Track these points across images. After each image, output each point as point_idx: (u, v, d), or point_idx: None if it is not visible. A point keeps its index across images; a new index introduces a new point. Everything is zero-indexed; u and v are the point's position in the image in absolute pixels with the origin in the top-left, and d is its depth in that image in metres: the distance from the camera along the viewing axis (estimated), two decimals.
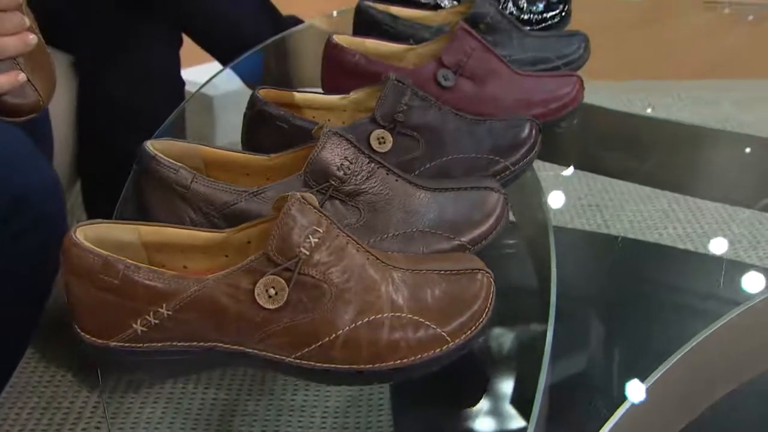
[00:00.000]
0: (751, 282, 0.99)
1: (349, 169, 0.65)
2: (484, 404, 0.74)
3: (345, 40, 0.89)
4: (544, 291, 0.77)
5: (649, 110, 1.69)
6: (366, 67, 0.86)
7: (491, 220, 0.67)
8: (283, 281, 0.55)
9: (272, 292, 0.55)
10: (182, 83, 1.30)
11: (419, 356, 0.57)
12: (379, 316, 0.57)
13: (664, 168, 1.15)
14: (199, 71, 1.38)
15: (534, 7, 1.11)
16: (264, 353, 0.57)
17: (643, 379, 0.74)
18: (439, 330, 0.57)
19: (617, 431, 0.68)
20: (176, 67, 1.29)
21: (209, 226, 0.64)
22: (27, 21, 0.75)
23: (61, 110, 1.16)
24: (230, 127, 0.89)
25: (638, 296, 1.08)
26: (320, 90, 0.88)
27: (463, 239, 0.66)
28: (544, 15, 1.11)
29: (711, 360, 0.81)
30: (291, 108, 0.78)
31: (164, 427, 1.02)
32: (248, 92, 0.78)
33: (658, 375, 0.74)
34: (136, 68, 1.22)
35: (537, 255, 0.91)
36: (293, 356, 0.57)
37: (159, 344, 0.57)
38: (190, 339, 0.56)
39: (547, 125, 0.82)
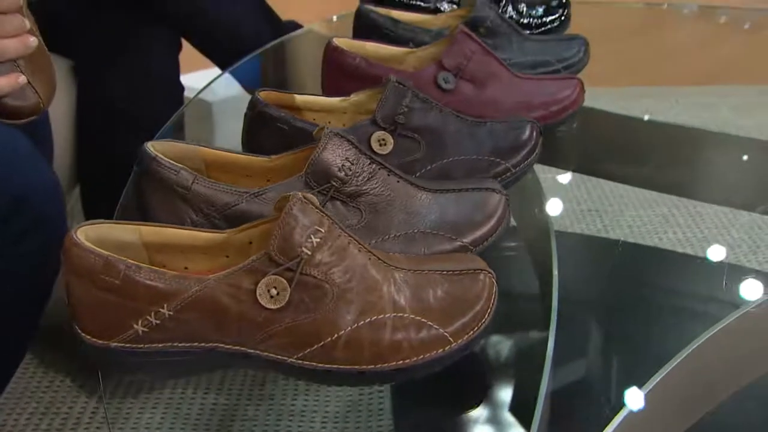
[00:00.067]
0: (751, 286, 0.99)
1: (351, 170, 0.65)
2: (485, 410, 0.74)
3: (345, 43, 0.89)
4: (544, 294, 0.77)
5: (646, 117, 1.69)
6: (366, 70, 0.86)
7: (493, 221, 0.67)
8: (285, 281, 0.55)
9: (274, 292, 0.55)
10: (181, 88, 1.30)
11: (421, 357, 0.57)
12: (381, 316, 0.56)
13: (664, 171, 1.15)
14: (198, 77, 1.38)
15: (533, 11, 1.11)
16: (265, 354, 0.56)
17: (642, 384, 0.74)
18: (441, 330, 0.57)
19: None
20: (175, 71, 1.29)
21: (210, 227, 0.64)
22: (27, 23, 0.75)
23: (60, 114, 1.16)
24: (229, 132, 0.89)
25: (638, 300, 1.08)
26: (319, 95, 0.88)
27: (464, 240, 0.66)
28: (544, 19, 1.11)
29: (710, 364, 0.81)
30: (291, 110, 0.78)
31: None
32: (247, 98, 0.78)
33: (658, 379, 0.74)
34: (135, 72, 1.22)
35: (537, 258, 0.91)
36: (295, 357, 0.56)
37: (160, 345, 0.56)
38: (191, 339, 0.56)
39: (547, 128, 0.82)
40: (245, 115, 0.77)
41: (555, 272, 0.78)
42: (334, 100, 0.80)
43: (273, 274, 0.54)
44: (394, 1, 1.12)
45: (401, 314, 0.57)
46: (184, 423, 1.02)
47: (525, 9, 1.11)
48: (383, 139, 0.73)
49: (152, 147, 0.65)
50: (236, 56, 1.21)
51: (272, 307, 0.55)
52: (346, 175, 0.65)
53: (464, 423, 0.74)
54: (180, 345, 0.56)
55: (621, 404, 0.71)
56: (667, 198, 1.51)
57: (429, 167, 0.74)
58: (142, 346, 0.56)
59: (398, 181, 0.67)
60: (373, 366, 0.56)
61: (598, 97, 1.02)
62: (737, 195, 1.17)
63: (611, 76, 1.68)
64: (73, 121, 1.22)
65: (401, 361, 0.56)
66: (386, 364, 0.56)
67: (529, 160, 0.77)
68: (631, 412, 0.70)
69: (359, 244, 0.58)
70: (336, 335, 0.56)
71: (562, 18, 1.12)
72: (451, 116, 0.76)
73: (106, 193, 0.92)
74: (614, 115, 1.24)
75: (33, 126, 0.80)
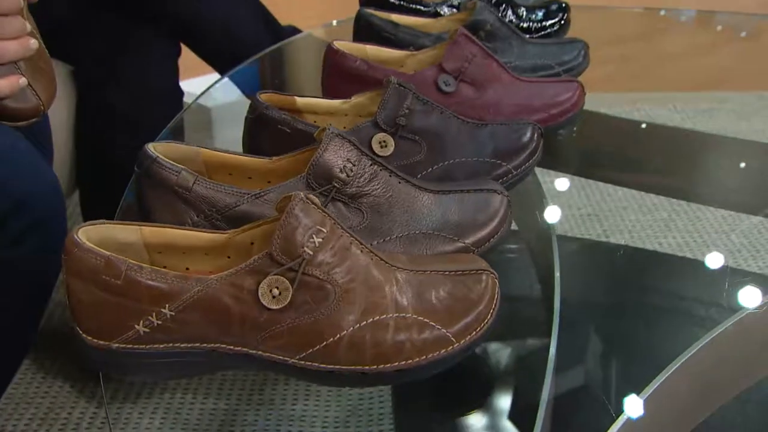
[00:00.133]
0: (751, 291, 0.99)
1: (352, 171, 0.65)
2: (485, 415, 0.74)
3: (346, 46, 0.89)
4: (546, 298, 0.77)
5: (644, 126, 1.69)
6: (367, 73, 0.86)
7: (495, 222, 0.67)
8: (287, 281, 0.54)
9: (276, 292, 0.54)
10: (181, 93, 1.30)
11: (424, 357, 0.56)
12: (384, 316, 0.56)
13: (664, 174, 1.15)
14: (197, 83, 1.38)
15: (533, 15, 1.11)
16: (267, 354, 0.56)
17: (643, 387, 0.73)
18: (444, 331, 0.57)
19: None
20: (174, 76, 1.29)
21: (211, 228, 0.64)
22: (28, 26, 0.75)
23: (59, 119, 1.16)
24: (228, 137, 0.89)
25: (638, 304, 1.08)
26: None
27: (466, 241, 0.66)
28: (544, 23, 1.11)
29: (711, 367, 0.81)
30: (292, 113, 0.78)
31: None
32: (246, 103, 0.77)
33: (659, 383, 0.74)
34: (134, 78, 1.22)
35: (538, 262, 0.91)
36: (297, 357, 0.56)
37: (161, 345, 0.56)
38: (193, 340, 0.56)
39: (547, 132, 0.82)
40: (246, 117, 0.77)
41: (557, 275, 0.78)
42: (335, 103, 0.80)
43: (275, 275, 0.54)
44: (394, 4, 1.12)
45: (404, 315, 0.57)
46: (184, 427, 1.02)
47: (525, 13, 1.11)
48: (384, 141, 0.72)
49: (153, 148, 0.65)
50: (235, 61, 1.21)
51: (274, 307, 0.54)
52: (348, 176, 0.64)
53: (465, 428, 0.74)
54: (181, 345, 0.56)
55: (621, 408, 0.70)
56: (668, 203, 1.51)
57: (430, 169, 0.74)
58: (143, 346, 0.56)
59: (400, 182, 0.67)
60: (375, 367, 0.56)
61: (596, 102, 1.02)
62: (737, 198, 1.17)
63: (609, 81, 1.68)
64: (72, 126, 1.21)
65: (404, 362, 0.56)
66: (389, 365, 0.56)
67: (530, 162, 0.77)
68: (631, 417, 0.70)
69: (361, 244, 0.58)
70: (338, 336, 0.55)
71: (562, 22, 1.12)
72: (452, 118, 0.76)
73: (105, 198, 0.92)
74: (614, 119, 1.24)
75: (33, 128, 0.80)
